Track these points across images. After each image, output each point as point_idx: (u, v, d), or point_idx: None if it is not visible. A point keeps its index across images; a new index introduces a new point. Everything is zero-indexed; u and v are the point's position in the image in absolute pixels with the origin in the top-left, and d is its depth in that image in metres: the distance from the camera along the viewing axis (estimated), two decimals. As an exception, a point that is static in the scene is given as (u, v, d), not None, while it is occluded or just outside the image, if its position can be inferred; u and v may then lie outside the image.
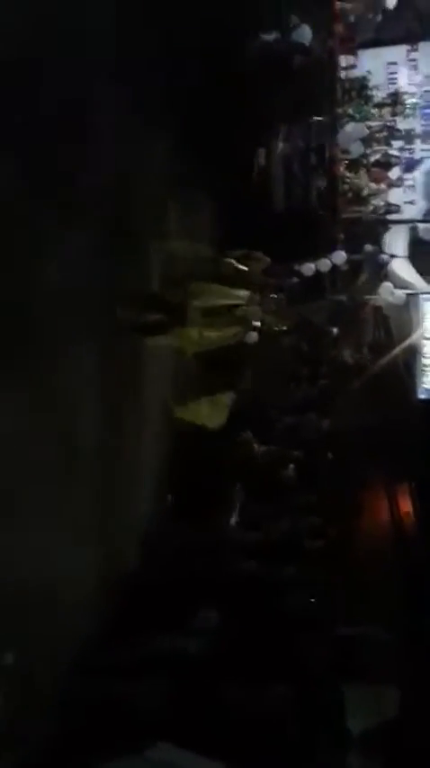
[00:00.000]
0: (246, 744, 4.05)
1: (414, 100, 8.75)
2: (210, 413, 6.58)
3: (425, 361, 8.38)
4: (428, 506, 7.49)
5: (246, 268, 5.95)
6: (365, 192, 8.75)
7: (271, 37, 7.69)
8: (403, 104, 8.79)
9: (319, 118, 8.41)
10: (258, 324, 5.93)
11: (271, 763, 4.11)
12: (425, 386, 8.50)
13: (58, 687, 4.21)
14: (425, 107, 8.81)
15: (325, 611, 5.74)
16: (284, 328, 7.09)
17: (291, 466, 7.51)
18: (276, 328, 6.68)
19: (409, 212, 8.94)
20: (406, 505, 7.75)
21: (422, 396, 8.49)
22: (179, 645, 4.76)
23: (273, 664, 4.72)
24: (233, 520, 6.83)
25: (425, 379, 8.49)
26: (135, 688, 4.35)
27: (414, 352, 8.44)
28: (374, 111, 8.75)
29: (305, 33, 7.80)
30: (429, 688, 5.38)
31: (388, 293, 8.45)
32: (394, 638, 5.95)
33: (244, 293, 5.69)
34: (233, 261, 5.91)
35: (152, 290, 5.57)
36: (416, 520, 7.64)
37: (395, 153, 8.87)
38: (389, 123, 8.79)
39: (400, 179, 8.91)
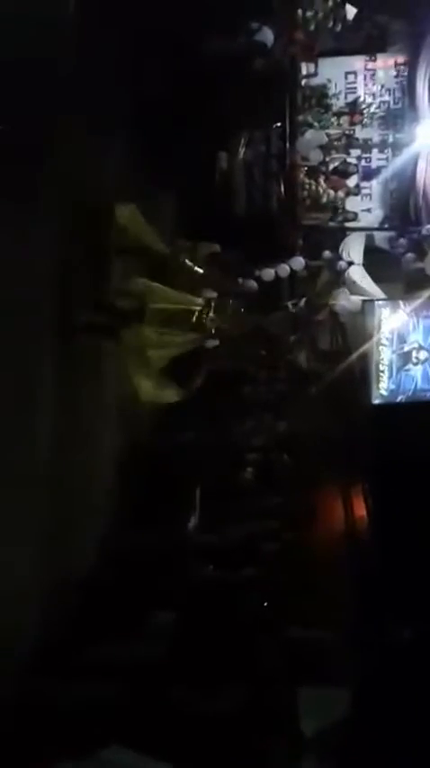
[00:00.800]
0: (200, 746, 4.05)
1: (372, 110, 8.91)
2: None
3: (380, 367, 8.51)
4: (382, 510, 7.59)
5: (201, 271, 5.92)
6: (324, 200, 8.88)
7: (232, 39, 7.71)
8: (361, 114, 8.95)
9: (280, 124, 8.51)
10: (214, 330, 5.91)
11: (224, 766, 4.12)
12: (379, 391, 8.61)
13: (12, 690, 4.17)
14: (382, 117, 8.98)
15: (279, 613, 5.77)
16: (240, 334, 7.11)
17: (249, 469, 7.56)
18: (233, 332, 6.67)
19: (366, 220, 9.09)
20: (360, 509, 7.84)
21: (376, 401, 8.60)
22: (135, 648, 4.75)
23: (228, 666, 4.74)
24: (191, 523, 6.83)
25: (379, 385, 8.60)
26: (90, 690, 4.32)
27: (369, 358, 8.55)
28: (333, 119, 8.90)
29: (266, 36, 7.86)
30: (381, 690, 5.45)
31: (344, 299, 8.56)
32: (347, 640, 6.00)
33: (200, 300, 5.67)
34: (191, 264, 5.86)
35: (109, 293, 5.52)
36: (369, 523, 7.73)
37: (353, 161, 9.03)
38: (347, 132, 8.96)
39: (358, 187, 9.07)
